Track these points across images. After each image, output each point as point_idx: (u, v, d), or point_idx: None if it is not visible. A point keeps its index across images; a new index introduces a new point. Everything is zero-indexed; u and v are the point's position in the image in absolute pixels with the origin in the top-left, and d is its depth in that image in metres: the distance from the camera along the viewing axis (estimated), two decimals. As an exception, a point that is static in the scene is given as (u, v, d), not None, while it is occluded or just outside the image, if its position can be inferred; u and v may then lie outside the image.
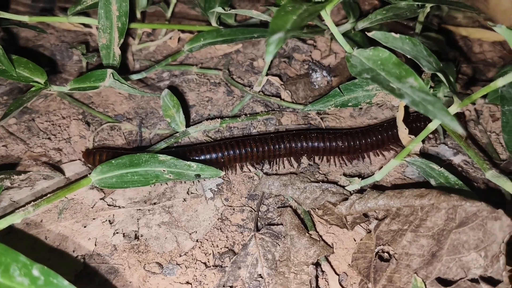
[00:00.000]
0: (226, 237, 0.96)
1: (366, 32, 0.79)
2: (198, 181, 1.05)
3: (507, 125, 0.92)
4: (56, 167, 1.07)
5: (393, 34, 0.78)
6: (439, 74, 0.78)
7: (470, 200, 0.79)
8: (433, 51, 0.84)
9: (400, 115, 1.04)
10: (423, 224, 0.84)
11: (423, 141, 1.10)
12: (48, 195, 0.86)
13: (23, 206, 0.84)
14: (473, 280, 0.78)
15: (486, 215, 0.78)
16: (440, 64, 0.81)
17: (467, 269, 0.79)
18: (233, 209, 1.02)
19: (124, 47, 1.42)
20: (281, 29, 0.62)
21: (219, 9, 1.09)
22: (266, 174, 1.07)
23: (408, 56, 0.78)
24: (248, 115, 1.19)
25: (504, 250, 0.76)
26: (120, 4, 1.06)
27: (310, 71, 1.30)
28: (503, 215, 0.77)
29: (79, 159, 1.10)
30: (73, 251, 0.92)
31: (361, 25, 1.07)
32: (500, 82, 0.74)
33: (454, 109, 0.81)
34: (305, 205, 1.00)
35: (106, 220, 0.97)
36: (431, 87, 1.03)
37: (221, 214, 1.00)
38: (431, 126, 0.86)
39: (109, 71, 1.00)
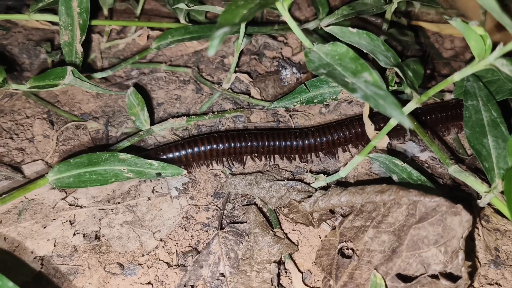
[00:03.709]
0: (191, 236, 0.95)
1: (323, 27, 0.78)
2: (161, 179, 1.03)
3: (469, 119, 0.92)
4: (16, 168, 1.04)
5: (350, 28, 0.77)
6: (396, 69, 0.78)
7: (429, 195, 0.78)
8: (393, 47, 0.84)
9: (366, 111, 1.03)
10: (385, 220, 0.83)
11: (391, 138, 1.10)
12: (3, 195, 0.84)
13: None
14: (433, 276, 0.77)
15: (445, 210, 0.78)
16: (399, 59, 0.81)
17: (427, 265, 0.78)
18: (199, 208, 1.00)
19: (92, 45, 1.40)
20: (229, 23, 0.61)
21: (182, 5, 1.07)
22: (232, 174, 1.06)
23: (365, 51, 0.77)
24: (216, 113, 1.18)
25: (463, 246, 0.76)
26: (81, 0, 1.04)
27: (280, 68, 1.29)
28: (462, 210, 0.76)
29: (41, 159, 1.08)
30: (31, 253, 0.90)
31: (327, 21, 1.07)
32: (456, 77, 0.74)
33: (413, 104, 0.80)
34: (270, 204, 0.98)
35: (67, 221, 0.95)
36: (396, 83, 1.02)
37: (186, 212, 0.99)
38: (393, 122, 0.86)
39: (69, 68, 0.98)
